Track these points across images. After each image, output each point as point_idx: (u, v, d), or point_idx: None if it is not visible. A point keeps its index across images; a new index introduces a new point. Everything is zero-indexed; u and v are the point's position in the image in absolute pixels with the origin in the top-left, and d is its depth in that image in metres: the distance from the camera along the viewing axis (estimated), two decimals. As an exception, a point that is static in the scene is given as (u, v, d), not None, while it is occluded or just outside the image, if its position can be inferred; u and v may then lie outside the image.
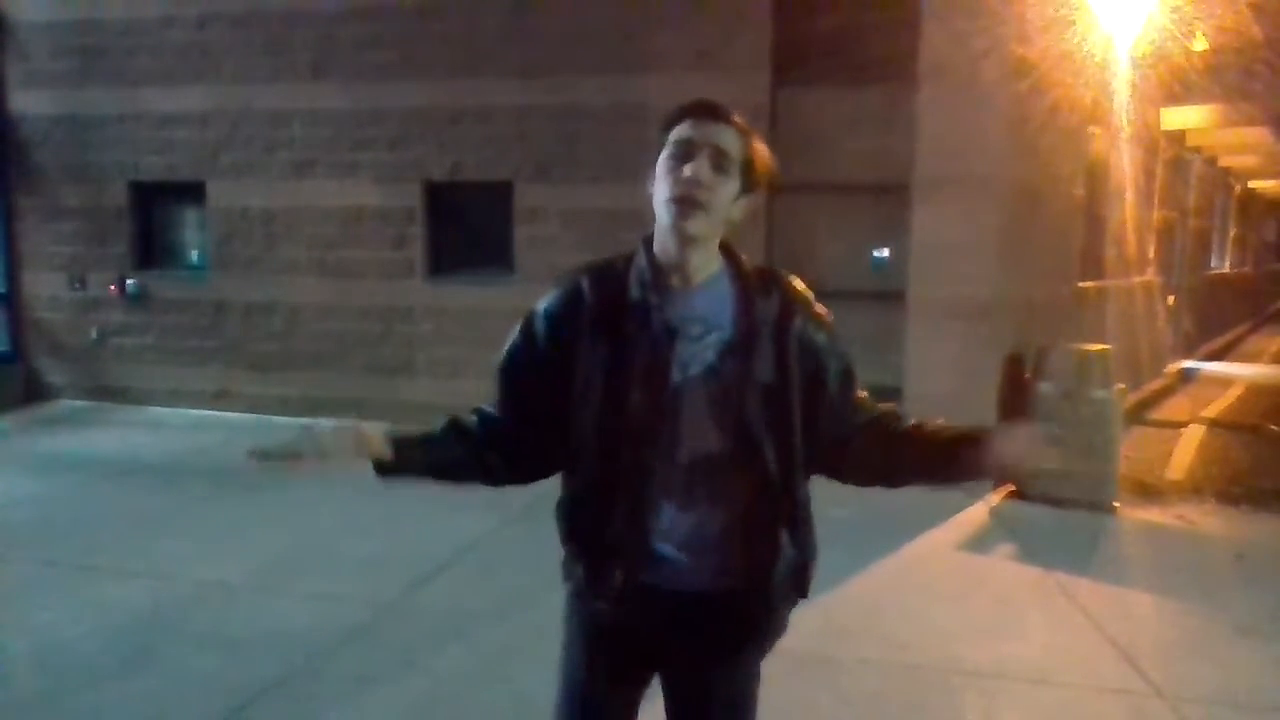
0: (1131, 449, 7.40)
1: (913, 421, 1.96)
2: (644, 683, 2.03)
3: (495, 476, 1.99)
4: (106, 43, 8.79)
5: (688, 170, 1.76)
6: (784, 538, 1.89)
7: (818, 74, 7.18)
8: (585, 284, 1.87)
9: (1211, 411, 10.45)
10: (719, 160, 1.78)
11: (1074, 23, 7.21)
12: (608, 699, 2.02)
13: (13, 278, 9.29)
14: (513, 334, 1.93)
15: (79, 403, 9.11)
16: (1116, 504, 6.29)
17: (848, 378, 1.95)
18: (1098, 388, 6.33)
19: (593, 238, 7.49)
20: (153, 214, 9.11)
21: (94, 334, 9.12)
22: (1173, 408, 10.69)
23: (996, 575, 5.19)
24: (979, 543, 5.68)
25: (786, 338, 1.85)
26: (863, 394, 1.99)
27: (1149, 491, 6.83)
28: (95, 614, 4.36)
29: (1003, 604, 4.74)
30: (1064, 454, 1.83)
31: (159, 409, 8.84)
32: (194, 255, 9.09)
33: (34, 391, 9.22)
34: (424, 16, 8.00)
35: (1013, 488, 6.54)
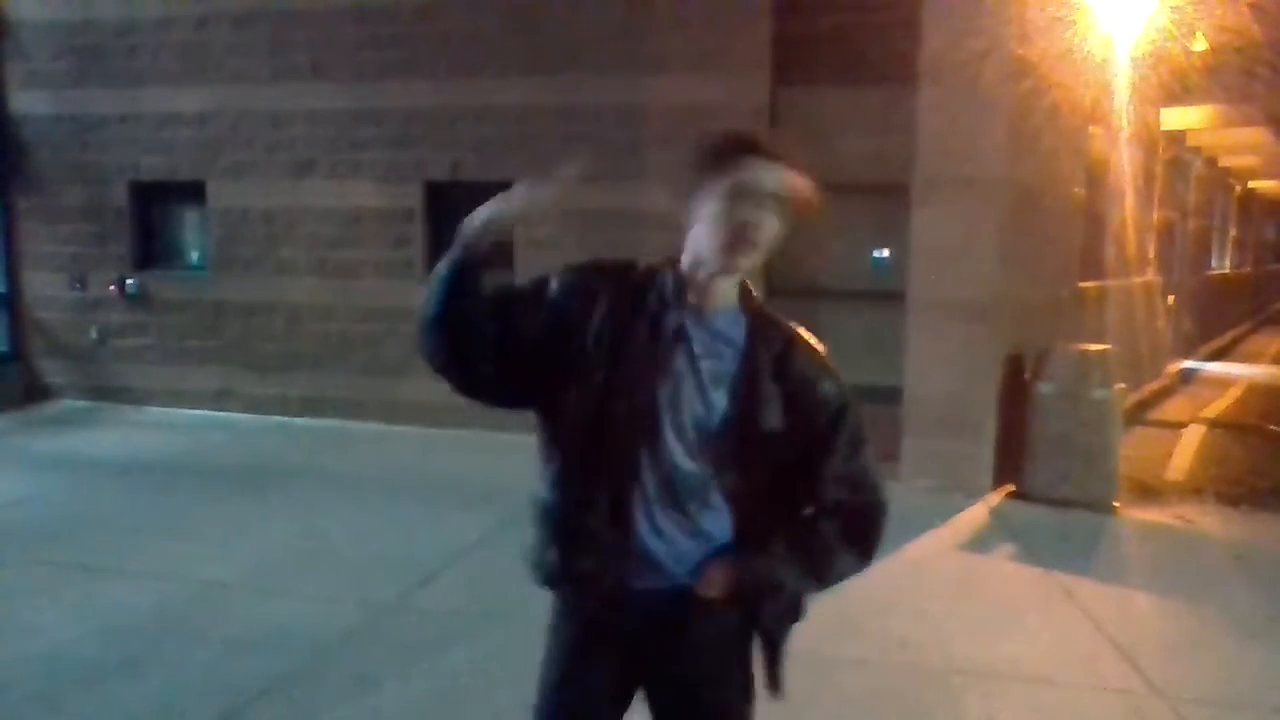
0: (1131, 449, 7.40)
1: (825, 526, 1.94)
2: (627, 699, 2.01)
3: (462, 321, 1.91)
4: (106, 43, 8.79)
5: (748, 215, 1.80)
6: (749, 558, 1.89)
7: (818, 74, 7.18)
8: (603, 279, 1.91)
9: (1211, 412, 10.46)
10: (774, 203, 1.82)
11: (1074, 23, 7.21)
12: (587, 699, 2.00)
13: (13, 278, 9.29)
14: (528, 279, 1.94)
15: (79, 403, 9.11)
16: (1116, 504, 6.29)
17: (848, 431, 1.93)
18: (1098, 388, 6.33)
19: (593, 238, 7.49)
20: (153, 214, 9.11)
21: (94, 334, 9.12)
22: (1173, 408, 10.70)
23: (997, 575, 5.19)
24: (979, 543, 5.68)
25: (784, 378, 1.88)
26: (864, 465, 1.95)
27: (1149, 492, 6.84)
28: (95, 614, 4.36)
29: (1003, 604, 4.74)
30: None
31: (159, 409, 8.84)
32: (194, 255, 9.10)
33: (34, 391, 9.22)
34: (424, 16, 8.00)
35: (1013, 487, 6.55)
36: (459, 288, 1.83)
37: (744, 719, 2.02)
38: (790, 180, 1.85)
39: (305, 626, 4.27)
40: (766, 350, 1.88)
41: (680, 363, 1.85)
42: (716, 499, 1.88)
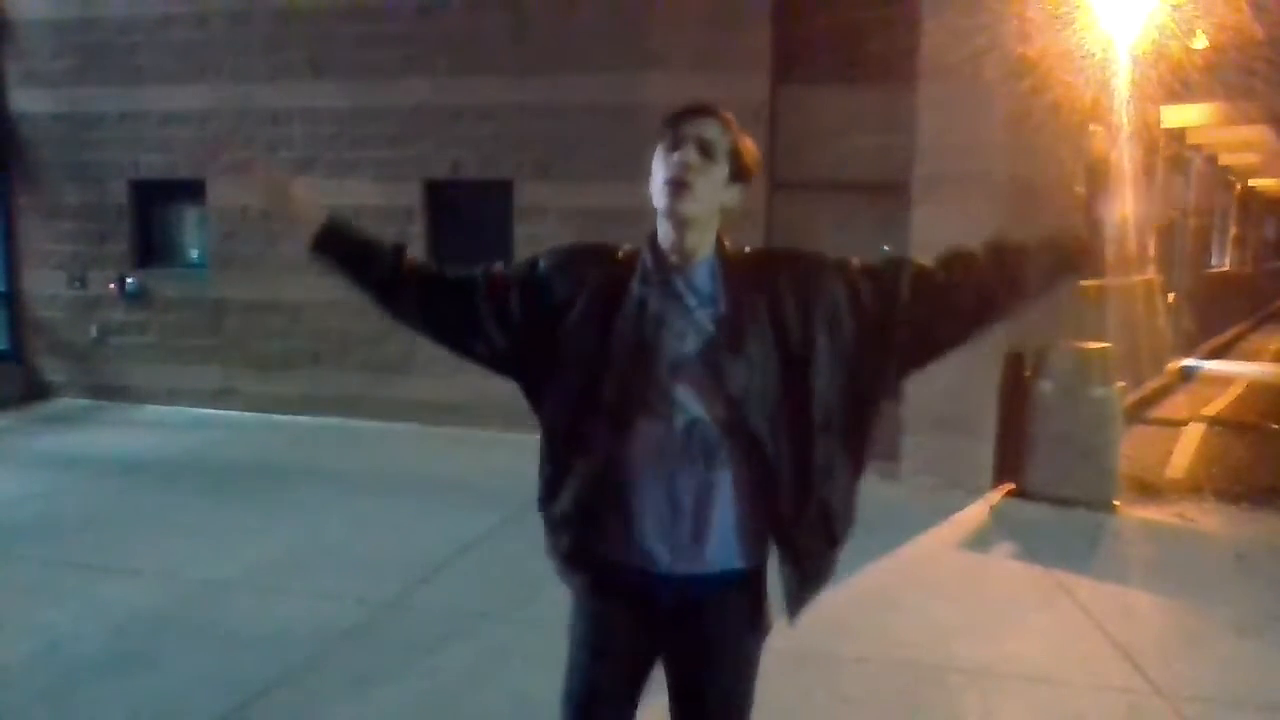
0: (1131, 447, 7.40)
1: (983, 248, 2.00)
2: (646, 666, 2.07)
3: (398, 306, 2.12)
4: (106, 41, 8.78)
5: (676, 156, 1.89)
6: (785, 525, 1.93)
7: (818, 73, 7.18)
8: (588, 250, 2.03)
9: (1211, 410, 10.46)
10: (704, 148, 1.90)
11: (1074, 21, 7.20)
12: (608, 683, 2.06)
13: (13, 276, 9.29)
14: (518, 261, 2.07)
15: (79, 401, 9.11)
16: (1116, 502, 6.29)
17: (874, 284, 1.95)
18: (1098, 386, 6.33)
19: (592, 236, 7.45)
20: (153, 212, 9.10)
21: (94, 332, 9.12)
22: (1173, 406, 10.69)
23: (996, 574, 5.19)
24: (979, 541, 5.68)
25: (781, 310, 1.90)
26: (914, 270, 1.97)
27: (1149, 490, 6.83)
28: (96, 613, 4.36)
29: (1002, 602, 4.74)
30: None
31: (159, 407, 8.84)
32: (194, 254, 9.10)
33: (34, 390, 9.22)
34: (424, 15, 8.00)
35: (1012, 486, 6.55)
36: (356, 278, 2.11)
37: (750, 686, 2.07)
38: (725, 130, 1.92)
39: (305, 625, 4.27)
40: (746, 281, 1.92)
41: (679, 326, 1.90)
42: (726, 458, 1.90)
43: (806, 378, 1.88)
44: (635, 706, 2.07)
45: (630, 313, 1.90)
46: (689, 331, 1.90)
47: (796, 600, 2.00)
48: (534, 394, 2.02)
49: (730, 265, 1.94)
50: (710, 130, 1.91)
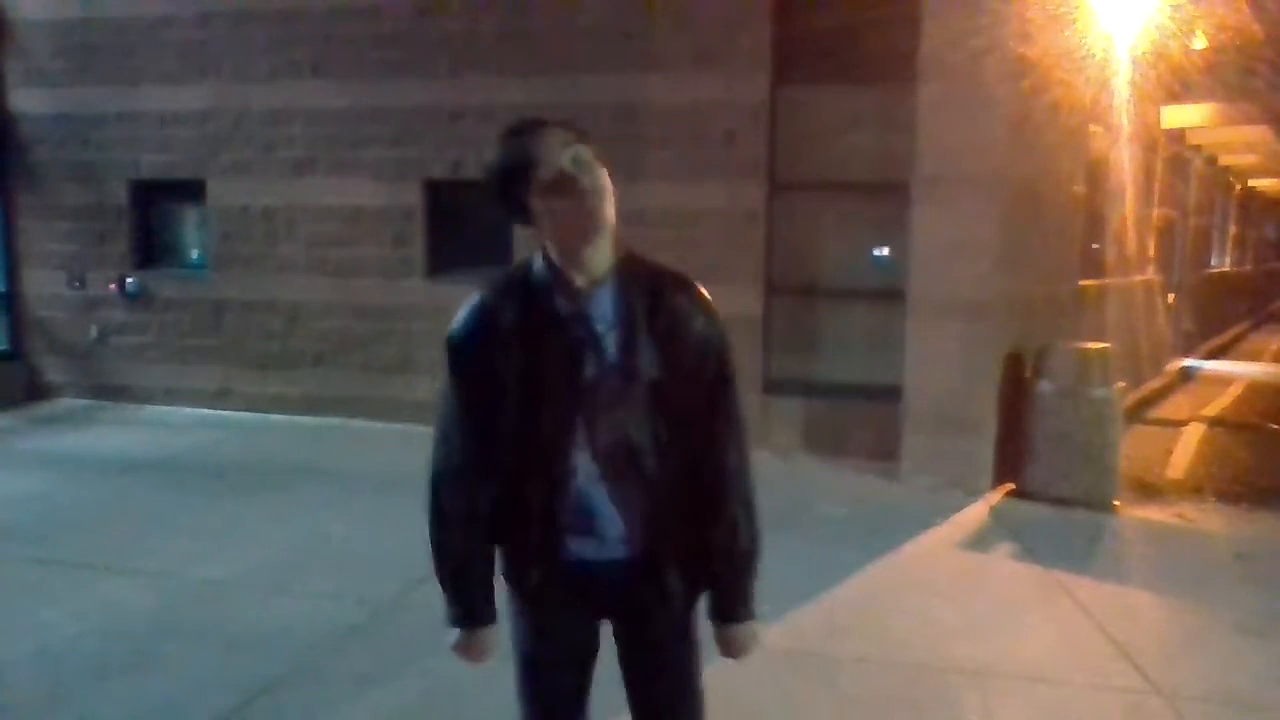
0: (1131, 447, 7.40)
1: (721, 532, 2.02)
2: (592, 641, 2.14)
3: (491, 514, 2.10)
4: (106, 41, 8.79)
5: (568, 197, 1.87)
6: (680, 516, 2.00)
7: (818, 73, 7.18)
8: (491, 300, 1.97)
9: (1211, 410, 10.46)
10: (579, 164, 1.88)
11: (1074, 21, 7.21)
12: (561, 665, 2.14)
13: (13, 276, 9.29)
14: (444, 375, 2.04)
15: (79, 401, 9.11)
16: (1116, 502, 6.29)
17: (719, 374, 1.99)
18: (1098, 386, 6.33)
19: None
20: (153, 212, 9.11)
21: (94, 332, 9.12)
22: (1173, 406, 10.70)
23: (996, 573, 5.19)
24: (979, 541, 5.68)
25: (656, 317, 1.92)
26: (728, 418, 2.01)
27: (1149, 490, 6.84)
28: (95, 613, 4.36)
29: (1002, 602, 4.74)
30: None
31: (159, 407, 8.84)
32: (194, 254, 9.10)
33: (34, 390, 9.22)
34: (424, 15, 8.00)
35: (1012, 486, 6.55)
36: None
37: (692, 649, 2.15)
38: (577, 138, 1.92)
39: (305, 625, 4.27)
40: (638, 300, 1.93)
41: (594, 348, 1.92)
42: (646, 465, 1.96)
43: (676, 399, 1.94)
44: (588, 684, 2.17)
45: (549, 334, 1.92)
46: (603, 354, 1.92)
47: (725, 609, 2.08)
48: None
49: (627, 286, 1.94)
50: (573, 144, 1.89)
